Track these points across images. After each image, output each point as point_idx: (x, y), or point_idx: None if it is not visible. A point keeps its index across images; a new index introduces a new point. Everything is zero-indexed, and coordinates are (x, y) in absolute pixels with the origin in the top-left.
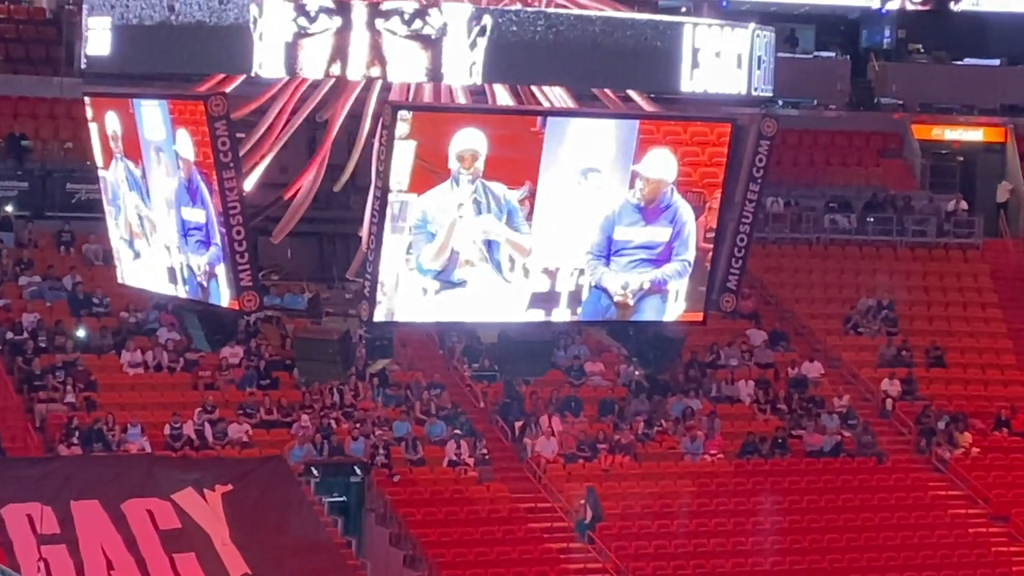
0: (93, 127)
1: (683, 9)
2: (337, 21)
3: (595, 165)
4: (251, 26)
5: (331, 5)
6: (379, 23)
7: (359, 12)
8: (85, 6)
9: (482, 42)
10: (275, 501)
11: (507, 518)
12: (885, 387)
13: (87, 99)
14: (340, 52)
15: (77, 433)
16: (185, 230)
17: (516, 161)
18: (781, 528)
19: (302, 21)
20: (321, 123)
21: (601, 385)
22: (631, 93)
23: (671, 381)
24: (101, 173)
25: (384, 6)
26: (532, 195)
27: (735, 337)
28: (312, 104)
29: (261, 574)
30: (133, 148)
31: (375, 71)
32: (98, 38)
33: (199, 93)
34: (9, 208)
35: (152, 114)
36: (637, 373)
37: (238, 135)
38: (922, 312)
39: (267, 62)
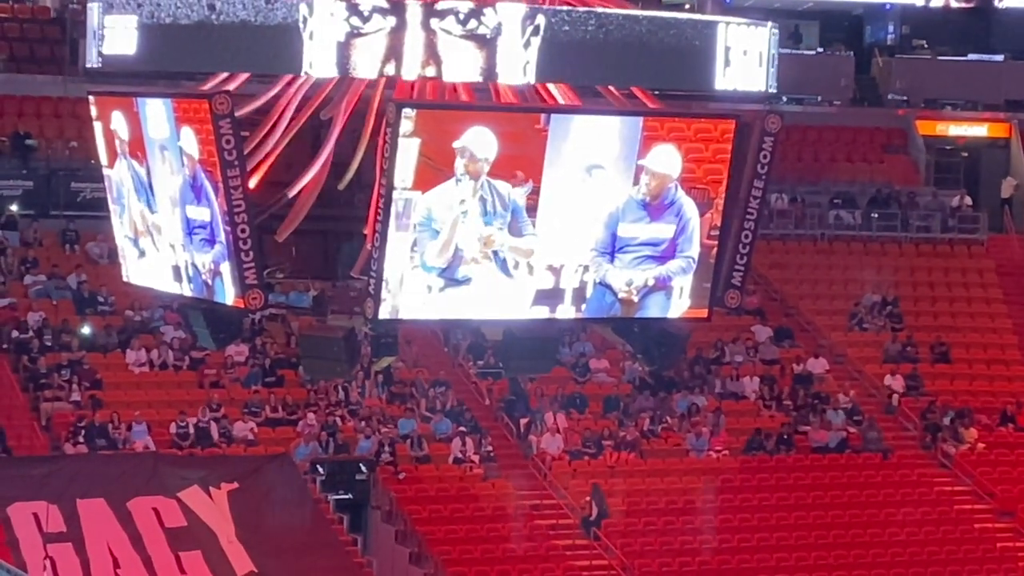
0: (97, 126)
1: (687, 6)
2: (391, 21)
3: (599, 162)
4: (300, 26)
5: (385, 5)
6: (434, 23)
7: (414, 12)
8: (99, 4)
9: (536, 41)
10: (281, 499)
11: (512, 515)
12: (890, 383)
13: (91, 98)
14: (394, 52)
15: (83, 432)
16: (190, 228)
17: (520, 158)
18: (786, 524)
19: (355, 21)
20: (325, 121)
21: (606, 382)
22: (634, 90)
23: (676, 377)
24: (106, 172)
25: (439, 6)
26: (536, 192)
27: (740, 333)
28: (316, 102)
29: (267, 572)
30: (138, 147)
31: (430, 71)
32: (119, 37)
33: (203, 91)
34: (14, 207)
35: (156, 112)
36: (642, 369)
37: (242, 133)
38: (927, 308)
39: (318, 61)
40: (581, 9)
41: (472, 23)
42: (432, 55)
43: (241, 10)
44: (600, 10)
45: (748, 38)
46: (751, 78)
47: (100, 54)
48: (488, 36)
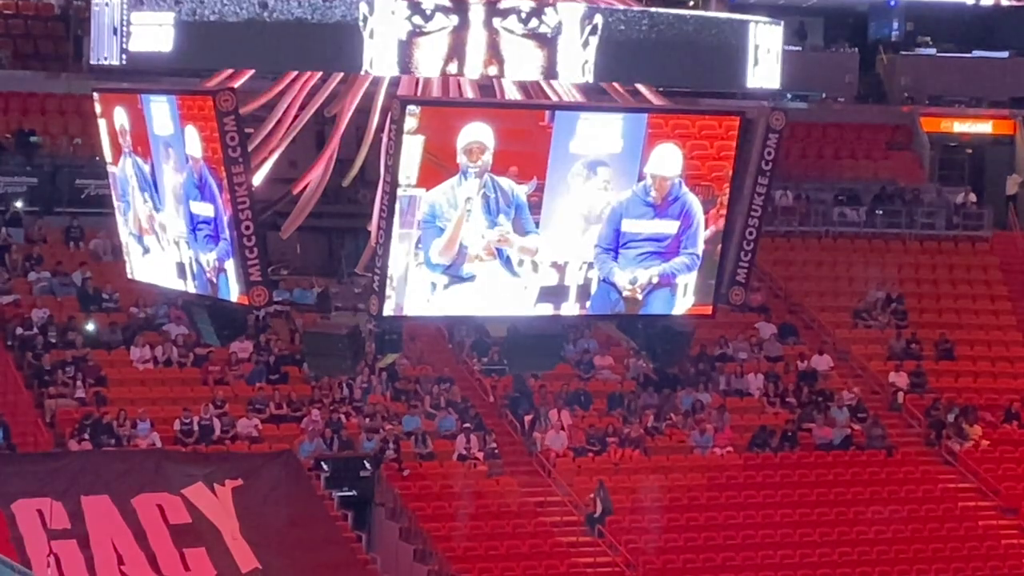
0: (102, 123)
1: (690, 3)
2: (454, 20)
3: (603, 159)
4: (360, 24)
5: (448, 3)
6: (496, 21)
7: (476, 10)
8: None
9: (594, 41)
10: (285, 496)
11: (517, 512)
12: (894, 380)
13: (96, 95)
14: (457, 51)
15: (87, 428)
16: (194, 225)
17: (524, 155)
18: (790, 521)
19: (417, 19)
20: (330, 118)
21: (610, 379)
22: (639, 87)
23: (680, 374)
24: (110, 168)
25: (501, 4)
26: (540, 189)
27: (744, 330)
28: (321, 99)
29: (271, 569)
30: (142, 143)
31: (492, 70)
32: (151, 34)
33: (207, 88)
34: (18, 204)
35: (161, 109)
36: (646, 366)
37: (247, 130)
38: (931, 305)
39: (378, 60)
40: (635, 9)
41: (533, 22)
42: (494, 54)
43: (296, 8)
44: (653, 10)
45: (769, 36)
46: (771, 76)
47: (125, 51)
48: (549, 35)
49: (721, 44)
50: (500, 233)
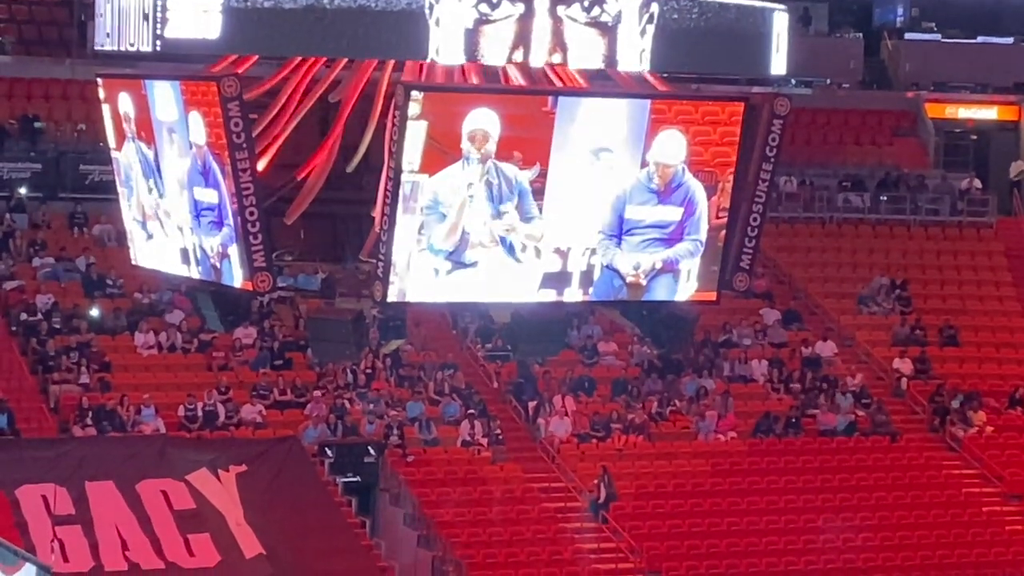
0: (105, 108)
1: None
2: (520, 8)
3: (607, 145)
4: (426, 12)
5: None
6: (560, 10)
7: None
8: None
9: (650, 29)
10: (289, 481)
11: (521, 498)
12: (899, 366)
13: (100, 80)
14: (522, 39)
15: (91, 414)
16: (198, 211)
17: (528, 141)
18: (794, 507)
19: (483, 8)
20: (334, 104)
21: (614, 365)
22: (645, 73)
23: (684, 360)
24: (114, 154)
25: None
26: (543, 175)
27: (748, 316)
28: (325, 85)
29: (275, 554)
30: (146, 129)
31: (556, 58)
32: (192, 20)
33: (212, 74)
34: (22, 190)
35: (164, 95)
36: (650, 352)
37: (251, 116)
38: (936, 291)
39: (445, 48)
40: None
41: (595, 10)
42: (559, 42)
43: None
44: None
45: (782, 23)
46: (782, 62)
47: (160, 37)
48: (609, 24)
49: (754, 32)
50: (507, 223)
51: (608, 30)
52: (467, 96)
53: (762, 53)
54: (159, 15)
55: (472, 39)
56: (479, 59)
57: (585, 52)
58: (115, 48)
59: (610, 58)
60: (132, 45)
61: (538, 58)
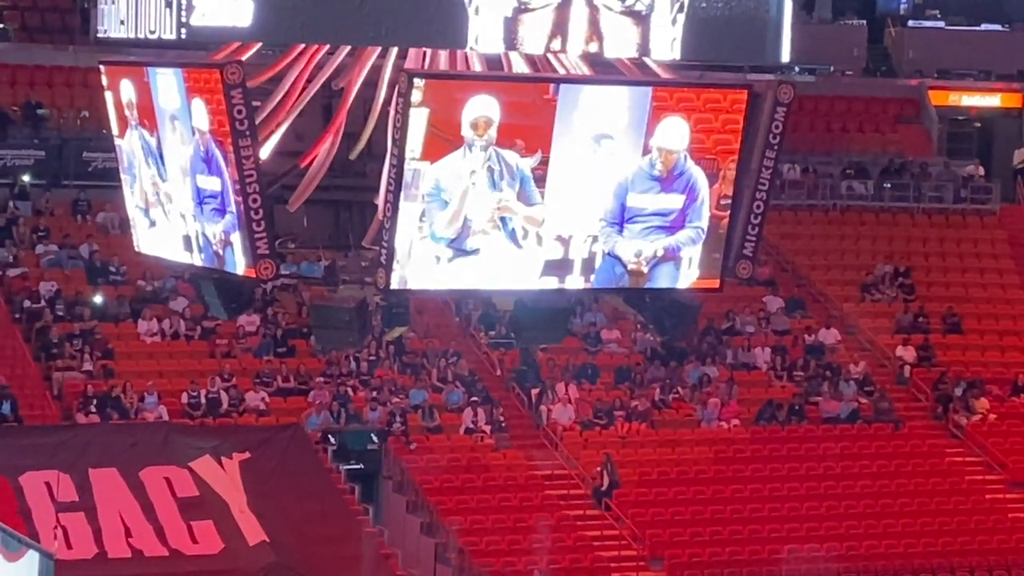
0: (108, 95)
1: None
2: None
3: (608, 132)
4: (466, 1)
5: None
6: None
7: None
8: None
9: (681, 18)
10: (292, 469)
11: (524, 485)
12: (902, 353)
13: (102, 67)
14: (560, 27)
15: (94, 401)
16: (200, 198)
17: (529, 128)
18: (797, 495)
19: None
20: (337, 91)
21: (617, 352)
22: (646, 60)
23: (688, 348)
24: (117, 142)
25: None
26: (545, 163)
27: (752, 304)
28: (328, 72)
29: (279, 541)
30: (148, 116)
31: (593, 46)
32: (222, 7)
33: (215, 61)
34: (26, 177)
35: (167, 82)
36: (653, 340)
37: (254, 103)
38: (939, 278)
39: (484, 36)
40: None
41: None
42: (595, 31)
43: None
44: None
45: (788, 10)
46: (787, 49)
47: (185, 25)
48: (643, 12)
49: (769, 19)
50: (499, 201)
51: (642, 19)
52: (468, 83)
53: (776, 40)
54: (183, 2)
55: (511, 27)
56: (518, 48)
57: (620, 41)
58: (132, 36)
59: (643, 47)
60: (152, 32)
61: (575, 47)
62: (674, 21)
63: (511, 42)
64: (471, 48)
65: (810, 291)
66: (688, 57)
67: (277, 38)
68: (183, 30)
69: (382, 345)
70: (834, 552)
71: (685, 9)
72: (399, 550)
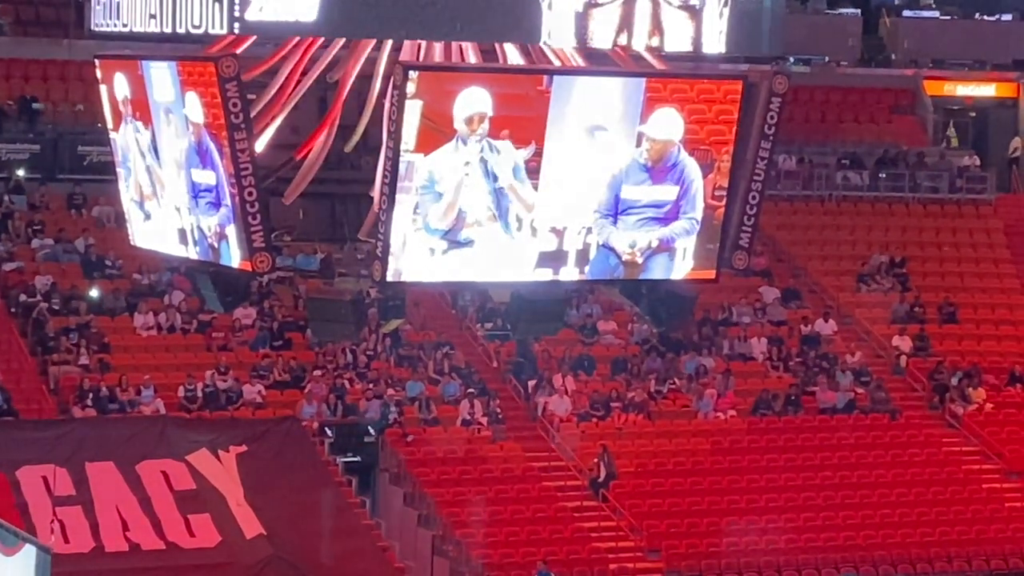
0: (103, 89)
1: None
2: None
3: (602, 124)
4: None
5: None
6: None
7: None
8: None
9: (726, 12)
10: (289, 462)
11: (521, 477)
12: (898, 343)
13: (97, 61)
14: (626, 22)
15: (91, 395)
16: (195, 192)
17: (523, 120)
18: (794, 485)
19: None
20: (332, 84)
21: (614, 343)
22: (641, 51)
23: (684, 339)
24: (112, 135)
25: None
26: (539, 154)
27: (747, 295)
28: (323, 65)
29: (276, 534)
30: (143, 110)
31: (655, 41)
32: (283, 1)
33: (209, 55)
34: (21, 171)
35: (161, 76)
36: (649, 331)
37: (249, 96)
38: (935, 268)
39: (556, 31)
40: None
41: None
42: (657, 25)
43: None
44: None
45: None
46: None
47: (238, 20)
48: (697, 7)
49: (781, 11)
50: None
51: (695, 13)
52: (461, 75)
53: (782, 31)
54: None
55: (582, 23)
56: (588, 42)
57: (677, 35)
58: (166, 31)
59: (697, 40)
60: (197, 27)
61: (639, 41)
62: (721, 15)
63: (581, 37)
64: (544, 42)
65: (806, 281)
66: (732, 51)
67: (346, 33)
68: (236, 24)
69: (379, 337)
70: (831, 542)
71: (730, 3)
72: (396, 542)
